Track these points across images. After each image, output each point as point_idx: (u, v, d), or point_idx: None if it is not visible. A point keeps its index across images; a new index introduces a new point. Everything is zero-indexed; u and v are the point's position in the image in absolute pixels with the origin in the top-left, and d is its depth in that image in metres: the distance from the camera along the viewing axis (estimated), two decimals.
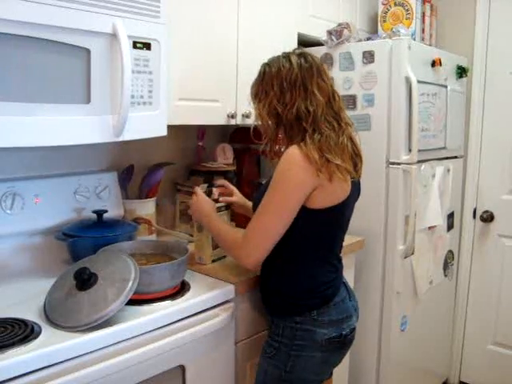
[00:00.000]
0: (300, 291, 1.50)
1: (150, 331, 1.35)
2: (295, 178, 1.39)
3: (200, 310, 1.48)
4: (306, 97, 1.44)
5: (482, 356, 2.94)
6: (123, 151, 2.03)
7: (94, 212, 1.75)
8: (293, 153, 1.39)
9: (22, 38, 1.27)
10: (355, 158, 1.50)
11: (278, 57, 1.52)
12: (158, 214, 2.07)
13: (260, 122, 1.52)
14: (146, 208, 1.99)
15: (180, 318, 1.43)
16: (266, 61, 1.55)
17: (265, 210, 1.43)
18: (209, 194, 2.08)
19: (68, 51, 1.38)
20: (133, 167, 2.01)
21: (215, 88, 1.91)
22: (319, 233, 1.49)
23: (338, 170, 1.39)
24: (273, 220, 1.42)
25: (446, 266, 2.70)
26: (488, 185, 2.83)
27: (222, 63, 1.92)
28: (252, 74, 1.55)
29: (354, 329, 1.57)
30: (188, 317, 1.45)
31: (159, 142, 1.97)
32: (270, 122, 1.49)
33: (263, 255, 1.46)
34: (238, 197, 1.85)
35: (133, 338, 1.31)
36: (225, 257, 1.79)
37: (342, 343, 1.53)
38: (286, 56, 1.50)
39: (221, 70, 1.92)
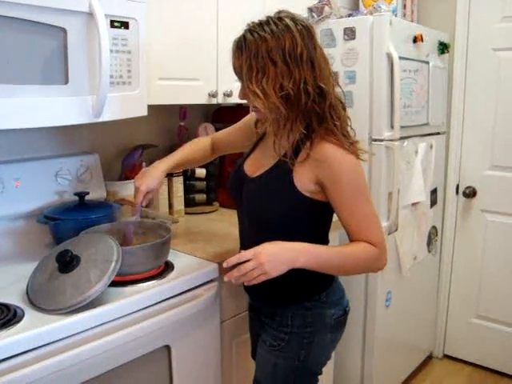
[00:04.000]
0: (313, 276, 1.39)
1: (135, 312, 1.35)
2: (362, 173, 1.36)
3: (184, 289, 1.48)
4: (313, 72, 1.28)
5: (465, 329, 2.99)
6: (104, 133, 2.01)
7: (76, 194, 1.73)
8: (341, 153, 1.30)
9: None
10: None
11: (268, 22, 1.28)
12: None
13: (261, 104, 1.29)
14: (129, 189, 1.98)
15: (164, 298, 1.43)
16: (248, 26, 1.32)
17: (367, 213, 1.35)
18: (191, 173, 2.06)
19: (44, 31, 1.35)
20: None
21: (195, 67, 1.89)
22: (327, 219, 1.45)
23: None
24: (377, 218, 1.38)
25: (430, 241, 2.73)
26: (470, 160, 2.85)
27: (202, 41, 1.89)
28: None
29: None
30: (172, 297, 1.45)
31: (141, 123, 1.95)
32: (276, 103, 1.28)
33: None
34: (157, 182, 1.59)
35: (117, 319, 1.31)
36: None
37: (344, 320, 1.51)
38: (281, 22, 1.27)
39: (201, 49, 1.89)
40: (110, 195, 1.95)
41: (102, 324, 1.28)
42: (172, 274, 1.50)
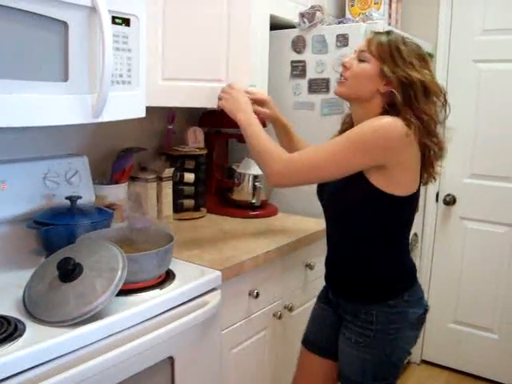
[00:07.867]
0: (398, 274, 1.51)
1: (141, 322, 1.28)
2: (377, 141, 1.35)
3: (189, 298, 1.42)
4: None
5: (443, 335, 3.03)
6: (92, 134, 1.92)
7: (67, 198, 1.64)
8: (383, 117, 1.38)
9: None
10: None
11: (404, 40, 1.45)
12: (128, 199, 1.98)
13: (349, 74, 1.46)
14: (118, 194, 1.90)
15: (170, 307, 1.36)
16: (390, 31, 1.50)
17: (328, 149, 1.40)
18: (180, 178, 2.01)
19: (44, 24, 1.26)
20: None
21: (204, 67, 1.75)
22: (409, 216, 1.51)
23: None
24: (328, 163, 1.40)
25: (412, 248, 2.75)
26: (450, 169, 2.86)
27: (211, 42, 1.76)
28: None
29: None
30: (178, 306, 1.39)
31: (129, 125, 1.87)
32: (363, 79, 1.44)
33: (294, 184, 1.51)
34: (272, 110, 1.76)
35: (125, 330, 1.23)
36: None
37: (424, 318, 1.56)
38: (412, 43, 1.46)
39: (210, 50, 1.76)
40: (97, 199, 1.86)
41: (109, 336, 1.20)
42: (175, 283, 1.45)
